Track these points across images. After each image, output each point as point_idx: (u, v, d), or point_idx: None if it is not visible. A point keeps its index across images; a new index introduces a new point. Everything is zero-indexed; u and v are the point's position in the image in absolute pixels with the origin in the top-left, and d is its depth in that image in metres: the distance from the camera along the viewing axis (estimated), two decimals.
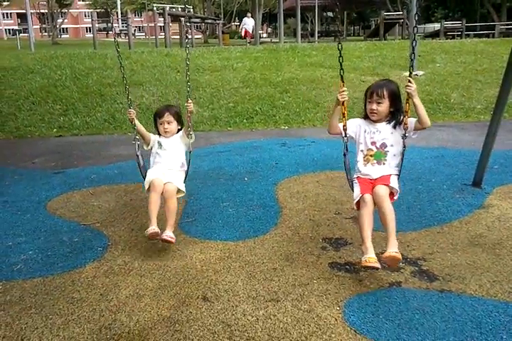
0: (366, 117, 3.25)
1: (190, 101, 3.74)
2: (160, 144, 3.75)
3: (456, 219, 3.89)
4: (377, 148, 3.19)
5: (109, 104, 9.23)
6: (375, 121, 3.21)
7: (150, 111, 8.84)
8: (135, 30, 39.07)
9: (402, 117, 3.14)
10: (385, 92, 3.09)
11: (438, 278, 2.95)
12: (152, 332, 2.48)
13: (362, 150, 3.24)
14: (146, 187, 3.52)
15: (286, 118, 8.60)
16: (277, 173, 5.34)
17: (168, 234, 3.29)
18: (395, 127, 3.16)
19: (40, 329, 2.53)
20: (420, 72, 11.13)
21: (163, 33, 22.85)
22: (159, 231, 3.26)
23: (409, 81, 3.04)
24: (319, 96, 9.61)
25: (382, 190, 3.02)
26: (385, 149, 3.17)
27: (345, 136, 3.24)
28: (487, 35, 25.72)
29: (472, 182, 4.68)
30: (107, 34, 46.70)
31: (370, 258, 2.85)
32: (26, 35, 25.28)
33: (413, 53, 3.19)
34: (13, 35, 41.59)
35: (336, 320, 2.54)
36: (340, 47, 3.18)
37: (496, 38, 22.61)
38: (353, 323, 2.51)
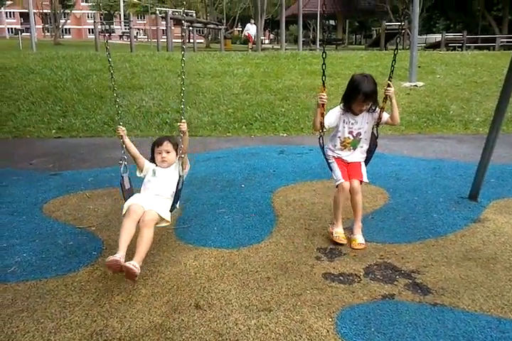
0: (346, 108, 3.64)
1: (183, 120, 3.42)
2: (154, 172, 3.51)
3: (451, 232, 3.90)
4: (353, 136, 3.68)
5: (108, 107, 9.23)
6: (357, 113, 3.63)
7: (150, 115, 8.88)
8: (137, 32, 39.17)
9: (375, 107, 3.62)
10: (373, 95, 3.53)
11: (431, 292, 2.95)
12: (143, 339, 2.47)
13: (339, 137, 3.72)
14: (124, 212, 3.23)
15: (285, 126, 8.62)
16: (274, 181, 5.35)
17: (133, 263, 2.87)
18: (369, 114, 3.64)
19: (31, 333, 2.52)
20: (420, 83, 11.19)
21: (165, 37, 22.91)
22: (122, 261, 2.87)
23: (389, 85, 3.55)
24: None
25: (356, 185, 3.61)
26: (360, 137, 3.68)
27: (323, 131, 3.72)
28: (488, 48, 25.88)
29: (468, 195, 4.69)
30: (109, 36, 46.82)
31: (340, 234, 3.64)
32: (28, 34, 25.34)
33: (394, 60, 3.68)
34: (15, 34, 41.65)
35: (328, 331, 2.54)
36: (324, 56, 3.64)
37: (497, 51, 22.75)
38: (344, 335, 2.50)
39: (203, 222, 4.13)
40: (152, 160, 3.59)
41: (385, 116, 3.66)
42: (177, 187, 3.38)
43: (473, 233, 3.88)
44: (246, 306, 2.78)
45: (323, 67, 3.60)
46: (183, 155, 3.47)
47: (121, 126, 3.55)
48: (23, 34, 27.43)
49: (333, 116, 3.69)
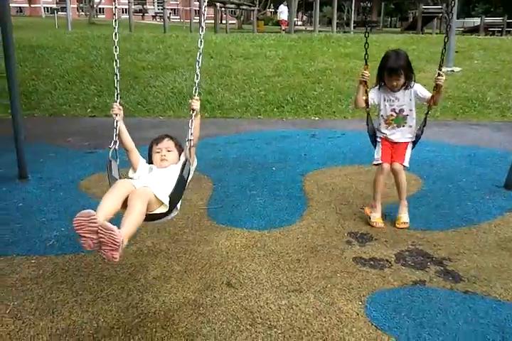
0: (382, 85, 3.71)
1: (197, 97, 2.77)
2: (151, 170, 2.84)
3: (485, 220, 3.85)
4: (396, 113, 3.70)
5: (142, 87, 9.33)
6: (395, 90, 3.67)
7: (182, 96, 8.94)
8: (170, 13, 39.14)
9: (410, 83, 3.63)
10: (402, 71, 3.55)
11: (463, 280, 2.93)
12: (177, 313, 2.55)
13: (382, 116, 3.76)
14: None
15: (317, 109, 8.56)
16: (305, 164, 5.35)
17: (118, 229, 2.10)
18: (408, 90, 3.66)
19: (71, 303, 2.63)
20: (457, 69, 10.91)
21: (198, 17, 22.83)
22: (98, 218, 2.10)
23: (440, 74, 3.53)
24: (352, 88, 9.48)
25: (398, 166, 3.68)
26: (404, 113, 3.69)
27: (368, 107, 3.77)
28: None
29: (504, 184, 4.60)
30: (142, 16, 46.95)
31: (378, 219, 3.71)
32: (64, 14, 25.62)
33: (444, 48, 3.62)
34: (51, 13, 42.17)
35: (358, 314, 2.57)
36: (367, 35, 3.69)
37: None
38: (374, 319, 2.53)
39: (235, 203, 4.18)
40: (149, 160, 2.95)
41: (428, 95, 3.66)
42: (182, 171, 2.60)
43: (507, 222, 3.82)
44: (277, 286, 2.83)
45: (366, 46, 3.65)
46: (192, 139, 2.70)
47: (117, 104, 2.88)
48: (58, 13, 27.75)
49: (373, 93, 3.75)
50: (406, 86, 3.64)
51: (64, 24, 21.43)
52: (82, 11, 59.50)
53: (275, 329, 2.43)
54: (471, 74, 10.58)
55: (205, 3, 3.02)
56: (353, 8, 28.60)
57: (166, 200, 2.49)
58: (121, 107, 2.89)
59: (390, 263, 3.13)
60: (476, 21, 29.41)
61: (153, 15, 42.42)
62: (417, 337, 2.38)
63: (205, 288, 2.80)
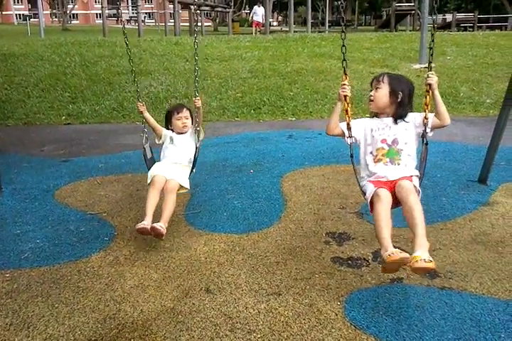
0: (374, 116, 3.03)
1: (198, 97, 3.78)
2: (171, 139, 3.82)
3: (460, 215, 3.90)
4: (388, 145, 2.86)
5: (117, 93, 9.25)
6: (382, 116, 2.95)
7: (158, 100, 8.89)
8: (145, 17, 38.89)
9: (407, 111, 2.93)
10: (385, 78, 2.88)
11: (439, 275, 2.97)
12: (155, 322, 2.53)
13: (371, 152, 2.91)
14: (148, 181, 3.60)
15: (294, 110, 8.58)
16: (283, 166, 5.36)
17: (159, 224, 3.21)
18: (397, 121, 2.91)
19: (47, 317, 2.59)
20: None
21: (173, 21, 22.74)
22: (149, 227, 3.21)
23: (428, 75, 2.91)
24: (328, 88, 9.57)
25: (407, 184, 2.67)
26: (398, 147, 2.85)
27: (350, 136, 2.93)
28: (500, 28, 25.41)
29: (478, 178, 4.67)
30: (116, 21, 46.53)
31: (395, 250, 2.48)
32: (36, 20, 25.30)
33: (431, 48, 3.10)
34: (23, 20, 41.57)
35: (337, 314, 2.58)
36: (343, 37, 2.95)
37: (509, 31, 22.33)
38: (353, 318, 2.54)
39: (213, 207, 4.17)
40: (167, 127, 3.90)
41: (430, 116, 2.90)
42: (194, 156, 3.79)
43: (482, 216, 3.87)
44: (256, 290, 2.83)
45: (343, 50, 2.95)
46: (198, 128, 3.82)
47: (140, 102, 3.91)
48: (31, 20, 27.37)
49: (358, 124, 2.98)
50: (397, 113, 2.91)
51: (37, 31, 21.19)
52: (56, 17, 58.80)
53: (254, 334, 2.42)
54: (445, 70, 10.72)
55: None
56: (328, 8, 28.76)
57: (187, 185, 3.65)
58: (143, 103, 3.95)
59: (367, 261, 3.15)
60: (448, 17, 29.85)
61: (127, 20, 42.04)
62: (395, 335, 2.40)
63: (184, 295, 2.78)
